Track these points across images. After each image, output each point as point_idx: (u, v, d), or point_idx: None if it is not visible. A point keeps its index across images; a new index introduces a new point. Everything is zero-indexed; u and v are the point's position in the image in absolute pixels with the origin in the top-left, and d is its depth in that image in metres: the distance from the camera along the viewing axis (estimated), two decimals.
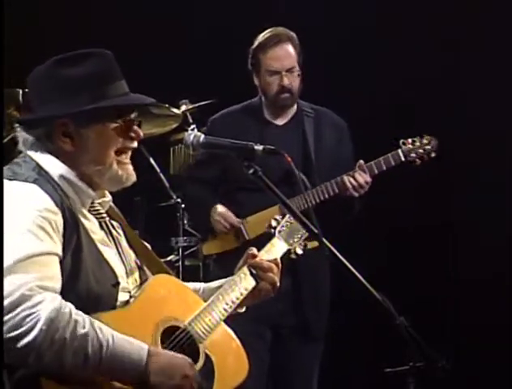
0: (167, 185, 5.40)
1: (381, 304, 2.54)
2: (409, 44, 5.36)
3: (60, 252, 2.32)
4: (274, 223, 2.95)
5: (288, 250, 2.93)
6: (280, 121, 4.27)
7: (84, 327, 2.23)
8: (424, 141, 4.24)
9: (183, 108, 5.34)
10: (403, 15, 5.42)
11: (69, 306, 2.24)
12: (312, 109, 4.30)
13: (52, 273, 2.27)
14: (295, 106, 4.28)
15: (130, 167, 2.52)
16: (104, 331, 2.27)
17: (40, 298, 2.19)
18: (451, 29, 5.34)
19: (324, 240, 2.65)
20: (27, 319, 2.17)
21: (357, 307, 4.19)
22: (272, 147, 2.69)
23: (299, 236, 2.94)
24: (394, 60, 5.37)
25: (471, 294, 5.32)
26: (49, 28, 5.54)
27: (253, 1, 5.61)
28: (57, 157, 2.45)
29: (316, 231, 2.66)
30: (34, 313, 2.18)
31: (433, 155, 4.24)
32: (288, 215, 2.97)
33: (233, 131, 3.95)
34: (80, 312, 2.26)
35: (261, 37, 4.22)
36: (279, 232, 2.92)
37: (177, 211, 5.40)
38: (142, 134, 2.52)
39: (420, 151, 4.22)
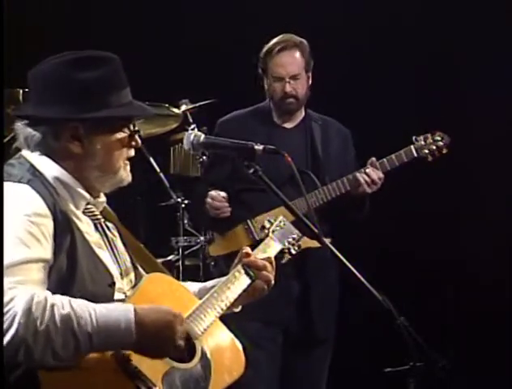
0: (167, 185, 5.40)
1: (382, 304, 2.54)
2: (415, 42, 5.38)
3: (49, 256, 2.31)
4: (267, 224, 2.96)
5: (282, 250, 2.93)
6: (289, 125, 4.28)
7: (64, 308, 2.21)
8: (437, 137, 4.26)
9: (183, 108, 5.34)
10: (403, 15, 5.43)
11: (44, 293, 2.22)
12: (319, 118, 4.32)
13: (34, 277, 2.25)
14: (303, 112, 4.30)
15: (128, 168, 2.56)
16: (83, 306, 2.25)
17: (12, 294, 2.18)
18: (453, 29, 5.35)
19: (324, 240, 2.65)
20: (5, 317, 2.16)
21: (357, 307, 4.20)
22: (272, 147, 2.69)
23: (293, 236, 2.95)
24: (405, 57, 5.39)
25: (472, 294, 5.32)
26: (48, 28, 5.54)
27: (254, 1, 5.61)
28: (60, 157, 2.45)
29: (316, 231, 2.66)
30: (9, 310, 2.16)
31: (444, 151, 4.26)
32: (281, 217, 2.99)
33: (241, 133, 3.96)
34: (57, 296, 2.24)
35: (269, 43, 4.24)
36: (273, 232, 2.92)
37: (177, 211, 5.40)
38: (140, 143, 2.57)
39: (433, 147, 4.24)
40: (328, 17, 5.45)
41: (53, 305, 2.20)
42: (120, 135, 2.49)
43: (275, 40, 4.23)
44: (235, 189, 4.20)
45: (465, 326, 5.37)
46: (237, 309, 2.82)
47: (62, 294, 2.28)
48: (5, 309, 2.16)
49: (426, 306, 5.22)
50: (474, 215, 5.44)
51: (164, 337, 2.35)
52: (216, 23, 5.68)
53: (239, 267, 2.76)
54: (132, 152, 2.55)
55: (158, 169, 5.31)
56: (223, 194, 4.14)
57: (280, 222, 2.96)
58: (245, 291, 2.73)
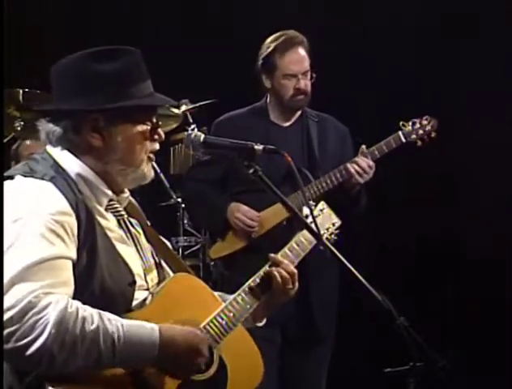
0: (167, 185, 5.41)
1: (382, 304, 2.53)
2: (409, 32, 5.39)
3: (73, 255, 2.30)
4: (306, 212, 2.87)
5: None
6: (286, 123, 4.27)
7: (93, 323, 2.21)
8: (424, 121, 4.25)
9: (183, 108, 5.35)
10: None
11: (75, 304, 2.21)
12: (316, 115, 4.31)
13: (63, 278, 2.24)
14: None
15: (151, 165, 2.53)
16: (112, 321, 2.25)
17: (46, 302, 2.17)
18: (451, 19, 5.36)
19: (324, 239, 2.65)
20: (36, 325, 2.15)
21: (357, 307, 4.19)
22: (272, 147, 2.68)
23: (331, 224, 2.90)
24: (405, 55, 5.40)
25: (472, 294, 5.32)
26: (48, 28, 5.54)
27: (254, 1, 5.61)
28: (82, 152, 2.43)
29: (316, 231, 2.66)
30: (42, 318, 2.15)
31: (433, 135, 4.25)
32: (321, 203, 2.93)
33: (238, 133, 3.95)
34: (87, 307, 2.24)
35: (274, 41, 4.19)
36: (310, 223, 2.81)
37: (177, 211, 5.41)
38: (163, 136, 2.54)
39: (421, 131, 4.23)
40: (326, 14, 5.46)
41: (83, 319, 2.20)
42: (141, 128, 2.46)
43: (282, 38, 4.19)
44: (232, 191, 4.19)
45: (465, 326, 5.37)
46: (261, 324, 2.81)
47: (80, 293, 2.27)
48: (38, 316, 2.15)
49: (426, 306, 5.21)
50: (474, 215, 5.44)
51: (186, 360, 2.35)
52: (216, 22, 5.68)
53: (266, 267, 2.73)
54: (156, 146, 2.52)
55: (158, 169, 5.31)
56: (257, 213, 4.12)
57: (321, 210, 2.91)
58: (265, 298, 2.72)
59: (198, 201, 4.31)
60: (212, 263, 4.46)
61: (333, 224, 3.00)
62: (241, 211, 4.12)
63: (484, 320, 5.23)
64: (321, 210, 2.94)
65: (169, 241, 5.29)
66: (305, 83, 4.16)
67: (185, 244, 5.35)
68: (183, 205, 5.31)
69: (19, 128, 4.42)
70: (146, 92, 2.47)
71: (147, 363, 2.30)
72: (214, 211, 4.21)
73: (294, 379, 4.25)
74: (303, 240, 2.87)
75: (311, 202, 3.01)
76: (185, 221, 5.41)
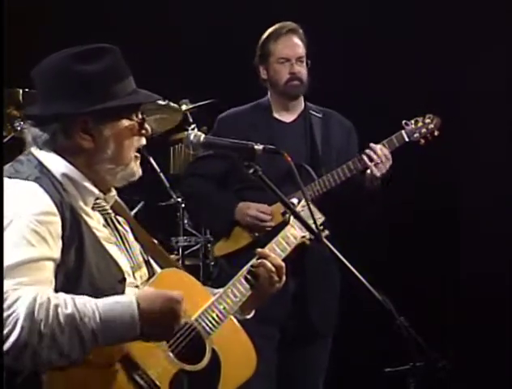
0: (167, 185, 5.41)
1: (382, 304, 2.54)
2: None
3: (56, 255, 2.30)
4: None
5: (303, 236, 2.93)
6: (288, 119, 4.26)
7: (67, 308, 2.20)
8: (427, 120, 4.21)
9: (183, 108, 5.35)
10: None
11: (46, 294, 2.20)
12: (319, 110, 4.30)
13: (38, 277, 2.24)
14: (302, 104, 4.28)
15: (139, 162, 2.55)
16: (87, 303, 2.24)
17: (15, 297, 2.16)
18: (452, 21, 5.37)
19: (324, 239, 2.65)
20: (8, 321, 2.15)
21: (357, 307, 4.19)
22: (272, 147, 2.69)
23: (315, 219, 2.91)
24: (405, 55, 5.41)
25: (472, 294, 5.32)
26: (49, 28, 5.54)
27: (253, 1, 5.61)
28: (71, 154, 2.44)
29: (316, 230, 2.66)
30: (12, 312, 2.15)
31: (436, 133, 4.21)
32: (304, 200, 2.96)
33: (240, 129, 3.97)
34: (61, 294, 2.23)
35: (271, 29, 4.25)
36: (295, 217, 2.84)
37: (177, 211, 5.41)
38: (150, 130, 2.56)
39: (424, 130, 4.19)
40: (325, 12, 5.47)
41: (56, 306, 2.19)
42: (128, 123, 2.47)
43: (277, 25, 4.24)
44: (235, 188, 4.19)
45: (465, 326, 5.37)
46: (249, 316, 2.83)
47: (70, 292, 2.27)
48: (8, 312, 2.15)
49: (426, 306, 5.21)
50: (473, 215, 5.44)
51: (167, 323, 2.33)
52: (216, 23, 5.68)
53: (254, 260, 2.76)
54: (143, 141, 2.54)
55: (158, 169, 5.31)
56: (267, 206, 4.09)
57: (303, 206, 2.93)
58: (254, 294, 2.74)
59: (202, 202, 4.28)
60: (212, 263, 4.45)
61: (318, 219, 3.01)
62: (252, 208, 4.11)
63: (484, 320, 5.24)
64: (303, 206, 2.96)
65: (169, 241, 5.31)
66: (300, 69, 4.18)
67: (185, 244, 5.35)
68: (183, 205, 5.30)
69: (19, 128, 4.43)
70: (129, 90, 2.49)
71: (131, 336, 2.27)
72: (220, 212, 4.19)
73: (291, 377, 4.24)
74: (289, 235, 2.92)
75: (295, 200, 3.04)
76: (185, 221, 5.40)
